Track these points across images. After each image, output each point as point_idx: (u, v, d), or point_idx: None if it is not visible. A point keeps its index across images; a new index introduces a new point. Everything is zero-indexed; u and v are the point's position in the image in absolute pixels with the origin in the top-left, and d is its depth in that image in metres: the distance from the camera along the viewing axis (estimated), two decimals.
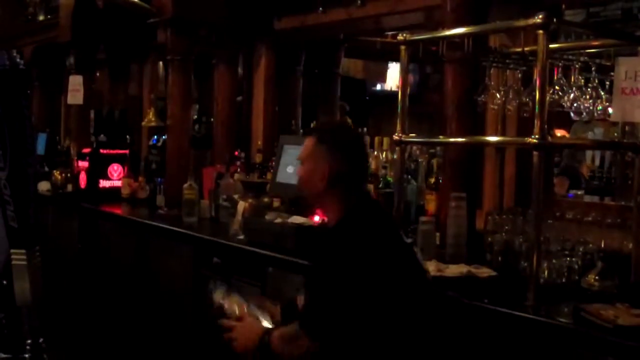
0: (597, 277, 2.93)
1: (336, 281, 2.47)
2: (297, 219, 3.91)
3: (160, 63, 6.96)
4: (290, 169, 4.30)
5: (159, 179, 5.68)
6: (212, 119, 5.87)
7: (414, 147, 4.08)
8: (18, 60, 1.55)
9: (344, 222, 2.62)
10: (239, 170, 5.04)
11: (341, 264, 2.48)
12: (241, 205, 4.36)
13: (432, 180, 3.82)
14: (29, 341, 1.67)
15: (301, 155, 2.76)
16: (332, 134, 2.76)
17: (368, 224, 2.63)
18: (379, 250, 2.54)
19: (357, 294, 2.45)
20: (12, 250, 1.61)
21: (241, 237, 4.16)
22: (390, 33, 5.14)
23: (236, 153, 5.36)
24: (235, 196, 4.62)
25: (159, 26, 5.73)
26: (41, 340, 1.68)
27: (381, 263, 2.52)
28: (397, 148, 3.39)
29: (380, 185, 3.93)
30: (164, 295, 4.66)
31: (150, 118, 6.45)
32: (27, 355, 1.66)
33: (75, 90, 6.78)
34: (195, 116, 6.27)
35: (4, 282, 1.75)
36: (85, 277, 5.61)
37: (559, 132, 4.05)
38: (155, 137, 6.23)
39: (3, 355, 1.70)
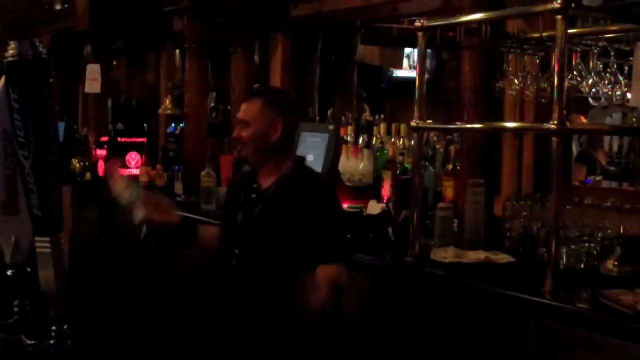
0: (616, 263, 2.93)
1: (330, 214, 2.80)
2: None
3: (177, 51, 6.98)
4: (310, 157, 4.31)
5: (177, 167, 5.71)
6: (229, 107, 5.88)
7: (431, 134, 4.07)
8: (41, 49, 1.56)
9: (290, 177, 2.84)
10: None
11: (326, 199, 2.83)
12: None
13: (450, 166, 3.82)
14: (53, 328, 1.68)
15: (246, 117, 2.86)
16: (279, 98, 2.97)
17: (318, 180, 2.99)
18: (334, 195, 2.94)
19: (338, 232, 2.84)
20: (36, 238, 1.62)
21: None
22: (407, 19, 5.13)
23: None
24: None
25: (176, 14, 5.74)
26: (65, 326, 1.70)
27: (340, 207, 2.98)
28: (414, 134, 3.39)
29: (398, 172, 3.93)
30: (182, 282, 4.69)
31: (167, 106, 6.48)
32: (52, 342, 1.68)
33: (93, 78, 6.81)
34: (213, 104, 6.27)
35: (28, 269, 1.77)
36: (104, 265, 5.65)
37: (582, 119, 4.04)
38: (173, 125, 6.25)
39: (28, 342, 1.73)
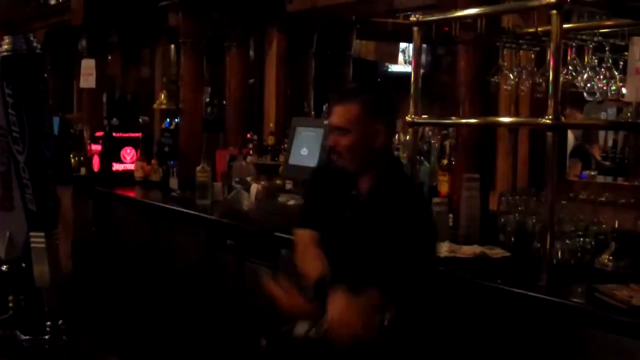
0: (610, 258, 2.93)
1: (409, 241, 2.46)
2: None
3: (172, 46, 6.97)
4: (303, 151, 4.31)
5: (172, 162, 5.71)
6: (224, 102, 5.87)
7: (427, 129, 4.08)
8: (35, 44, 1.56)
9: (383, 183, 2.59)
10: (251, 152, 5.05)
11: (409, 223, 2.49)
12: (254, 188, 4.37)
13: (445, 161, 3.82)
14: (48, 323, 1.68)
15: (342, 123, 2.58)
16: (377, 99, 2.65)
17: (411, 187, 2.72)
18: (428, 209, 2.68)
19: (423, 253, 2.53)
20: (31, 233, 1.62)
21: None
22: (402, 14, 5.12)
23: (248, 135, 5.37)
24: (248, 178, 4.63)
25: (171, 9, 5.73)
26: (60, 322, 1.70)
27: (432, 223, 2.67)
28: (409, 129, 3.39)
29: None
30: (177, 277, 4.69)
31: (162, 101, 6.47)
32: (47, 337, 1.68)
33: (88, 74, 6.79)
34: (208, 99, 6.27)
35: (23, 264, 1.76)
36: (99, 260, 5.65)
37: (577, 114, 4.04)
38: (168, 120, 6.25)
39: (23, 337, 1.72)
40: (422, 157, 3.91)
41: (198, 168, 4.95)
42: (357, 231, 2.56)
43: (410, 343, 2.54)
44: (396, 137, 4.13)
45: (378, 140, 2.56)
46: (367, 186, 2.60)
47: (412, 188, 2.73)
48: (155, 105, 6.62)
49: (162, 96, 6.47)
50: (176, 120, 5.97)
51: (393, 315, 2.39)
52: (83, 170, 6.39)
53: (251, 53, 5.82)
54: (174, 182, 5.54)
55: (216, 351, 4.28)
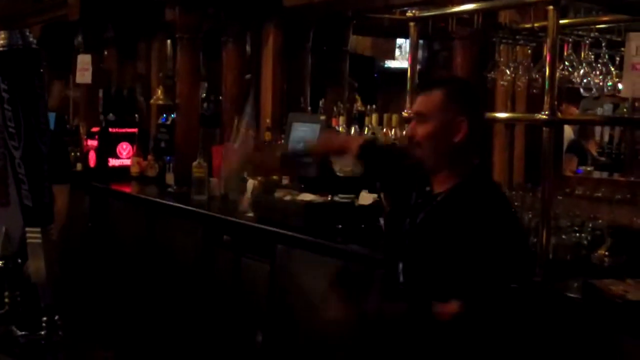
0: (606, 253, 2.94)
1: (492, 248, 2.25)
2: (306, 196, 3.93)
3: (169, 41, 6.95)
4: (300, 147, 4.30)
5: (168, 157, 5.70)
6: (220, 97, 5.87)
7: None
8: (31, 39, 1.56)
9: (463, 186, 2.37)
10: None
11: (492, 230, 2.28)
12: (250, 183, 4.37)
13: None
14: (44, 318, 1.68)
15: (422, 109, 2.42)
16: (463, 90, 2.47)
17: (496, 192, 2.44)
18: (515, 218, 2.43)
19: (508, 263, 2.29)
20: (26, 229, 1.62)
21: (250, 214, 4.18)
22: (399, 9, 5.12)
23: None
24: (245, 174, 4.63)
25: (167, 4, 5.72)
26: (56, 317, 1.70)
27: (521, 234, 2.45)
28: (406, 124, 3.39)
29: None
30: (174, 273, 4.69)
31: (158, 96, 6.46)
32: (42, 333, 1.68)
33: (84, 69, 6.78)
34: (204, 94, 6.26)
35: (19, 260, 1.76)
36: (96, 256, 5.64)
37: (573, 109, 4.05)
38: (164, 115, 6.24)
39: (19, 332, 1.73)
40: None
41: (194, 163, 4.95)
42: (431, 235, 2.37)
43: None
44: (392, 132, 4.14)
45: (458, 134, 2.34)
46: (445, 186, 2.40)
47: (498, 193, 2.45)
48: (152, 101, 6.61)
49: (159, 92, 6.46)
50: (172, 115, 5.96)
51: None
52: (79, 166, 6.38)
53: (248, 48, 5.81)
54: (170, 178, 5.54)
55: (213, 346, 4.28)
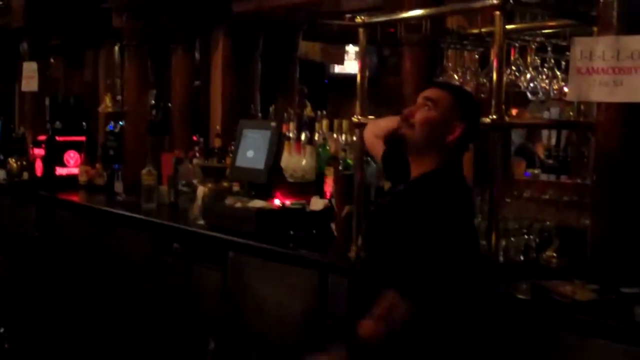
0: (554, 254, 2.99)
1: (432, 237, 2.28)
2: (257, 203, 3.92)
3: (116, 48, 6.88)
4: (250, 153, 4.29)
5: (117, 165, 5.64)
6: (169, 105, 5.83)
7: None
8: None
9: (433, 177, 2.45)
10: (197, 155, 5.01)
11: (438, 218, 2.31)
12: (200, 190, 4.34)
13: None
14: None
15: (434, 96, 2.51)
16: (470, 101, 2.60)
17: (458, 190, 2.47)
18: (468, 213, 2.47)
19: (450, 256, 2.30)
20: None
21: (201, 222, 4.15)
22: (348, 16, 5.13)
23: (194, 138, 5.33)
24: (195, 181, 4.60)
25: (115, 11, 5.66)
26: (2, 330, 1.66)
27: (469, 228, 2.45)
28: (356, 130, 3.40)
29: (340, 168, 3.94)
30: (123, 283, 4.63)
31: (106, 104, 6.39)
32: None
33: (30, 77, 6.68)
34: (153, 102, 6.22)
35: None
36: (43, 266, 5.55)
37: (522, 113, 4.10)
38: (112, 123, 6.17)
39: None
40: (369, 158, 3.91)
41: (144, 171, 4.90)
42: (385, 221, 2.45)
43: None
44: (343, 138, 4.14)
45: (451, 136, 2.46)
46: (415, 175, 2.51)
47: (459, 192, 2.47)
48: (100, 109, 6.54)
49: (107, 100, 6.40)
50: (121, 123, 5.90)
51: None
52: (25, 175, 6.28)
53: (197, 55, 5.78)
54: (119, 186, 5.48)
55: (165, 355, 4.24)
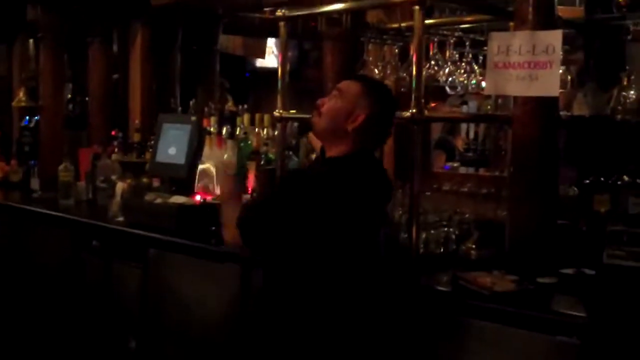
0: (474, 246, 3.04)
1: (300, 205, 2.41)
2: (178, 199, 3.87)
3: (31, 41, 6.70)
4: (170, 148, 4.24)
5: (33, 162, 5.52)
6: (87, 98, 5.71)
7: (295, 123, 4.08)
8: None
9: (337, 162, 2.54)
10: (116, 150, 4.92)
11: (316, 194, 2.42)
12: (119, 186, 4.27)
13: (313, 156, 3.83)
14: None
15: (343, 87, 2.61)
16: (379, 91, 2.64)
17: (359, 173, 2.54)
18: (356, 203, 2.48)
19: (311, 225, 2.41)
20: None
21: (120, 218, 4.09)
22: (268, 9, 5.11)
23: (113, 133, 5.23)
24: (113, 177, 4.52)
25: (29, 2, 5.53)
26: None
27: (351, 215, 2.48)
28: (278, 124, 3.39)
29: (262, 162, 3.92)
30: (42, 282, 4.52)
31: (20, 98, 6.22)
32: None
33: None
34: (69, 95, 6.09)
35: None
36: None
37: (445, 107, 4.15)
38: (27, 118, 6.01)
39: None
40: (290, 152, 3.91)
41: (60, 167, 4.81)
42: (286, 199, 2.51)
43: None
44: (264, 132, 4.12)
45: (353, 123, 2.53)
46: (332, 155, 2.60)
47: (360, 175, 2.54)
48: (14, 104, 6.35)
49: (21, 94, 6.22)
50: (36, 118, 5.75)
51: None
52: None
53: (115, 47, 5.67)
54: (35, 183, 5.36)
55: (86, 354, 4.16)
